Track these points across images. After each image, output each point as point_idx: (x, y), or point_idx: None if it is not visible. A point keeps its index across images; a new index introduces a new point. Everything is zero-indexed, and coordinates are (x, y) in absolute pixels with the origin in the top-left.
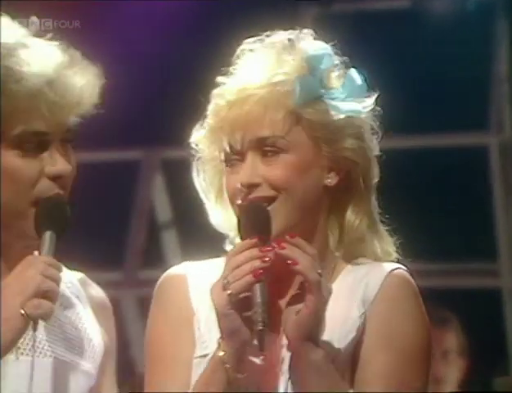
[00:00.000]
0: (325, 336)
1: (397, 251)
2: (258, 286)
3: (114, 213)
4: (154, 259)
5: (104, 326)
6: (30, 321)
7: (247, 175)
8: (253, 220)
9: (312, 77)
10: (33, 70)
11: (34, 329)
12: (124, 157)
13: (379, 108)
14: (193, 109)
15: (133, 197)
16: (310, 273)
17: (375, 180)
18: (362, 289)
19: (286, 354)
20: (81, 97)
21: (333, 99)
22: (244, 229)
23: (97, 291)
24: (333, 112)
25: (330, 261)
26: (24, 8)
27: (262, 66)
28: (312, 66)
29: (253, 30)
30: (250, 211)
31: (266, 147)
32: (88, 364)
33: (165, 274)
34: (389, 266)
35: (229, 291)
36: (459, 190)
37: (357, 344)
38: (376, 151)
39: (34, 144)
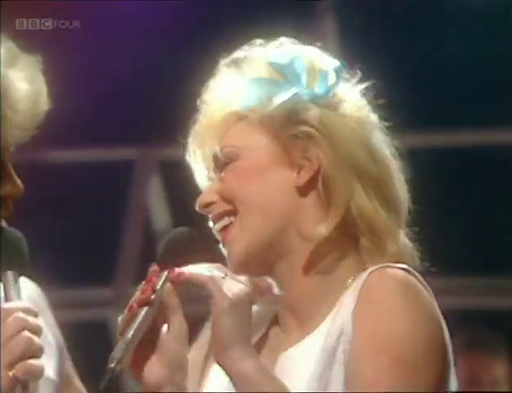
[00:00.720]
0: (311, 348)
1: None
2: (136, 321)
3: (104, 220)
4: None
5: (45, 319)
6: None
7: (201, 197)
8: (168, 246)
9: (272, 80)
10: None
11: (26, 390)
12: (116, 157)
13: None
14: (194, 106)
15: (126, 202)
16: (198, 274)
17: (361, 179)
18: (346, 297)
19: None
20: (35, 109)
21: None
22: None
23: (26, 284)
24: (272, 103)
25: (344, 273)
26: (25, 8)
27: (219, 85)
28: (278, 71)
29: (261, 23)
30: (170, 236)
31: (221, 163)
32: (51, 371)
33: None
34: (372, 268)
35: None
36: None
37: (335, 358)
38: (368, 144)
39: None
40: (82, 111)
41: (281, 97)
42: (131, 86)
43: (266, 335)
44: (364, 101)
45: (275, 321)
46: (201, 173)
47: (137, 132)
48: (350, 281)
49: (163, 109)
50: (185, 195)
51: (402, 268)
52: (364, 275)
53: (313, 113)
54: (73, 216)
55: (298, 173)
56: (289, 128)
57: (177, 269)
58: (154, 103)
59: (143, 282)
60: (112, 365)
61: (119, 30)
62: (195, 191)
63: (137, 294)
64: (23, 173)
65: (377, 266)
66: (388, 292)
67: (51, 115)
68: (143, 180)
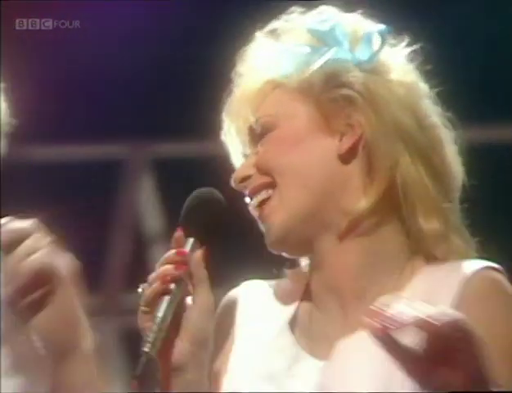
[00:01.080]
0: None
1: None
2: (167, 299)
3: (91, 223)
4: (141, 280)
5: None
6: None
7: (236, 172)
8: (190, 205)
9: (311, 46)
10: None
11: None
12: (106, 154)
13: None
14: (189, 98)
15: (116, 204)
16: (413, 315)
17: (410, 151)
18: (442, 296)
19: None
20: None
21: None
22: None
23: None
24: (311, 68)
25: (396, 251)
26: (25, 8)
27: (254, 55)
28: (318, 38)
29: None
30: (193, 194)
31: (257, 135)
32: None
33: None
34: (472, 266)
35: (141, 302)
36: None
37: None
38: (417, 114)
39: None
40: (80, 110)
41: (320, 61)
42: (131, 86)
43: (297, 311)
44: (412, 67)
45: (305, 298)
46: (236, 149)
47: (128, 126)
48: (415, 272)
49: (159, 101)
50: (179, 195)
51: (495, 269)
52: (461, 276)
53: (356, 76)
54: (58, 219)
55: (340, 140)
56: (329, 92)
57: (380, 314)
58: (148, 94)
59: (171, 251)
60: (146, 349)
61: (119, 30)
62: (189, 190)
63: (167, 266)
64: (9, 170)
65: (478, 268)
66: (493, 303)
67: (46, 113)
68: (134, 180)
